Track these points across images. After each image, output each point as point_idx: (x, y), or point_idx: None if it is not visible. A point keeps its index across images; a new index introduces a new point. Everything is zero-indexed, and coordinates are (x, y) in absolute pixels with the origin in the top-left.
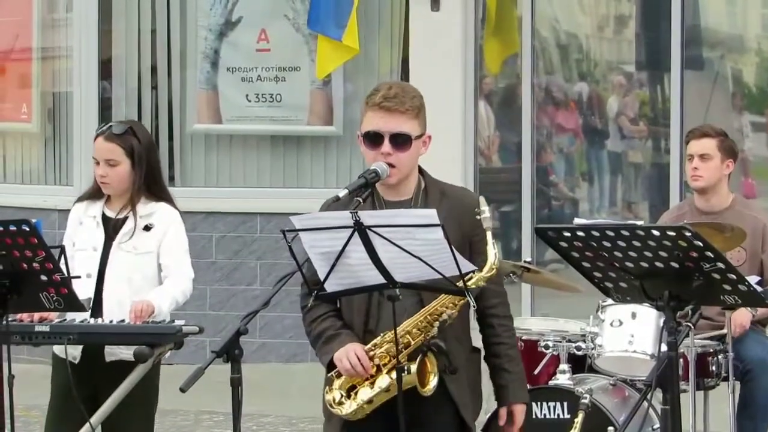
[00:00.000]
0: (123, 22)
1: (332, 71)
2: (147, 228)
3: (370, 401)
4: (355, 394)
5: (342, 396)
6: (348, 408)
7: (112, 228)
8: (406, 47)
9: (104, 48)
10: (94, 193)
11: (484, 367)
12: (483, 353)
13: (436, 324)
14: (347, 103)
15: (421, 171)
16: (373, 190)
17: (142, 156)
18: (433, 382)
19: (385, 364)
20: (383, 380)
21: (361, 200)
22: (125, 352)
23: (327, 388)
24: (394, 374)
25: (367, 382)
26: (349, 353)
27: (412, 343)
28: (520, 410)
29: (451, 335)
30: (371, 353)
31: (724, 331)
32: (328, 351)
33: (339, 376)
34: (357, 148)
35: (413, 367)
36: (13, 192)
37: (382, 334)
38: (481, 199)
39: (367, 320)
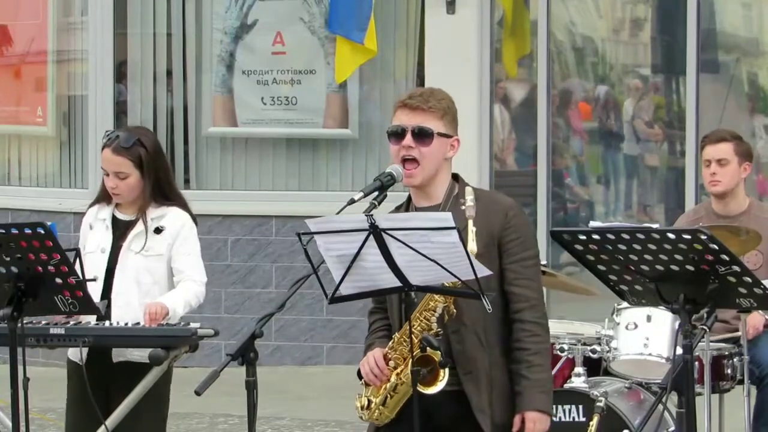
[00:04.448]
0: (138, 25)
1: (351, 74)
2: (158, 231)
3: (384, 403)
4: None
5: (369, 402)
6: (370, 413)
7: (122, 230)
8: (422, 50)
9: (119, 51)
10: (105, 197)
11: None
12: None
13: (433, 319)
14: (363, 106)
15: (457, 179)
16: (408, 200)
17: (150, 164)
18: (441, 383)
19: (398, 365)
20: (391, 381)
21: (376, 203)
22: (133, 353)
23: (357, 395)
24: (402, 375)
25: (384, 385)
26: (368, 358)
27: (415, 341)
28: (532, 418)
29: (471, 336)
30: (388, 356)
31: (738, 333)
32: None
33: (367, 384)
34: (373, 151)
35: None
36: (28, 195)
37: (393, 337)
38: (468, 189)
39: (400, 323)
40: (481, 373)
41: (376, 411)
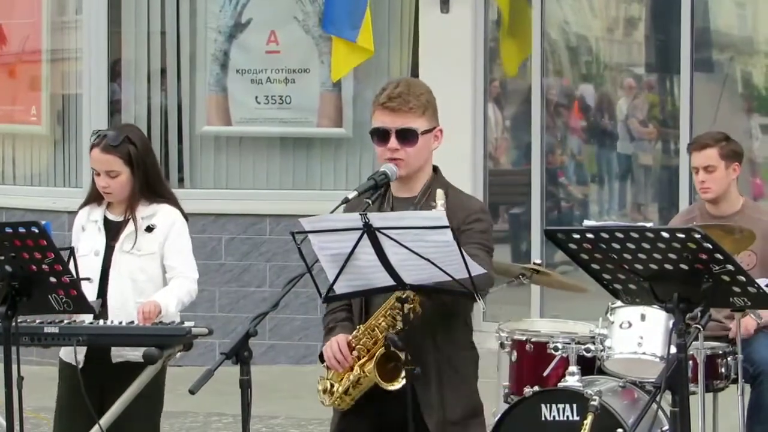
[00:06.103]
0: (132, 24)
1: (347, 73)
2: (149, 229)
3: (347, 392)
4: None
5: (331, 386)
6: (332, 398)
7: (114, 231)
8: (416, 49)
9: (113, 50)
10: (95, 197)
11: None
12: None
13: (399, 317)
14: (357, 105)
15: (436, 171)
16: (386, 187)
17: (140, 161)
18: (401, 380)
19: (362, 356)
20: (354, 373)
21: (369, 202)
22: (132, 354)
23: (320, 377)
24: (365, 368)
25: (346, 374)
26: (332, 343)
27: (379, 337)
28: None
29: (424, 334)
30: (353, 345)
31: (729, 332)
32: (323, 343)
33: (329, 367)
34: (367, 150)
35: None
36: (22, 194)
37: (358, 327)
38: (439, 192)
39: (361, 316)
40: (432, 371)
41: (338, 398)
